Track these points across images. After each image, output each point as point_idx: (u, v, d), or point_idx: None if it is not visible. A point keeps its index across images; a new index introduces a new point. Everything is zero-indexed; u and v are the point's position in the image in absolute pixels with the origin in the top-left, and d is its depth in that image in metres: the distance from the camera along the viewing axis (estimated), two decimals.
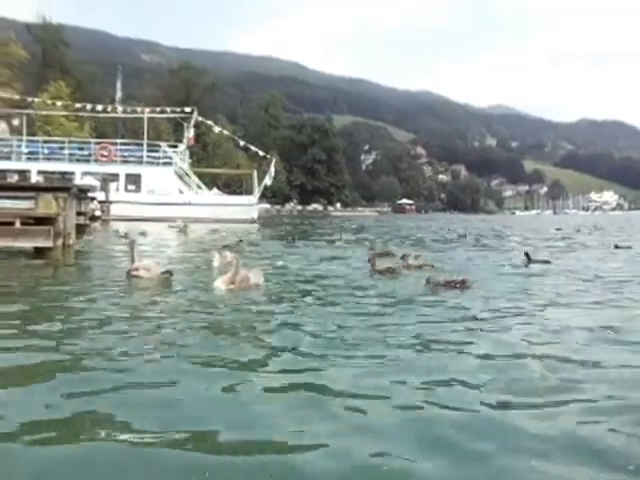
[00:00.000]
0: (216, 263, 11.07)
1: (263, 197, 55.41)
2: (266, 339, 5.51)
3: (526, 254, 13.62)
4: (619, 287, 9.60)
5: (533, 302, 7.94)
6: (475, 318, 6.63)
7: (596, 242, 23.71)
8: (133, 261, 9.51)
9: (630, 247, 18.59)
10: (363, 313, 6.89)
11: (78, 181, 35.42)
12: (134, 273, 9.10)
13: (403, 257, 12.05)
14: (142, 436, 3.21)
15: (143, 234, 20.82)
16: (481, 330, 6.05)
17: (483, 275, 10.71)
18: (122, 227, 25.80)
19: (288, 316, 6.61)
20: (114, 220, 32.82)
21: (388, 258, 12.42)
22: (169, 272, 9.04)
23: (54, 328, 5.78)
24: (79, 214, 16.34)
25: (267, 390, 4.05)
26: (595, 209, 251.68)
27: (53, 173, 39.85)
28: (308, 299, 7.83)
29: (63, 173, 40.37)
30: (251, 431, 3.33)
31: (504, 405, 3.85)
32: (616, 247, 18.58)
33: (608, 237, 28.04)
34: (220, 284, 8.36)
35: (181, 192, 42.57)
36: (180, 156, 45.41)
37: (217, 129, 53.88)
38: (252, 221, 40.50)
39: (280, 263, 12.54)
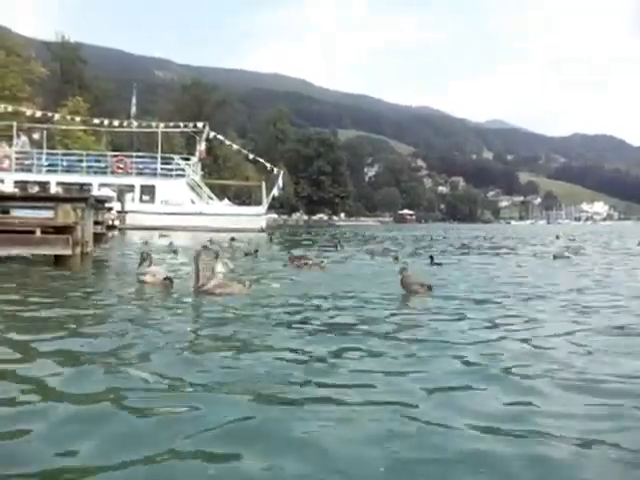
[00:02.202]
0: (221, 269, 11.00)
1: (271, 207, 55.26)
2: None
3: (430, 257, 14.76)
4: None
5: None
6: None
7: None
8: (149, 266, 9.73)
9: (568, 257, 17.83)
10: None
11: (95, 192, 35.33)
12: (141, 278, 9.36)
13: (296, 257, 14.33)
14: None
15: (175, 252, 20.35)
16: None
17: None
18: (142, 237, 25.53)
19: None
20: (130, 229, 32.80)
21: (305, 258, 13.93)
22: (169, 279, 9.23)
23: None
24: (96, 223, 16.24)
25: None
26: (587, 219, 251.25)
27: (72, 184, 39.82)
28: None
29: (81, 184, 40.36)
30: None
31: None
32: (554, 257, 17.19)
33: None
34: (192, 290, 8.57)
35: (193, 202, 42.54)
36: (192, 168, 45.41)
37: (227, 143, 53.84)
38: (261, 230, 40.36)
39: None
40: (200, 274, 8.68)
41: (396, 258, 15.16)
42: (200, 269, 8.73)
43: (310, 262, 13.16)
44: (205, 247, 14.72)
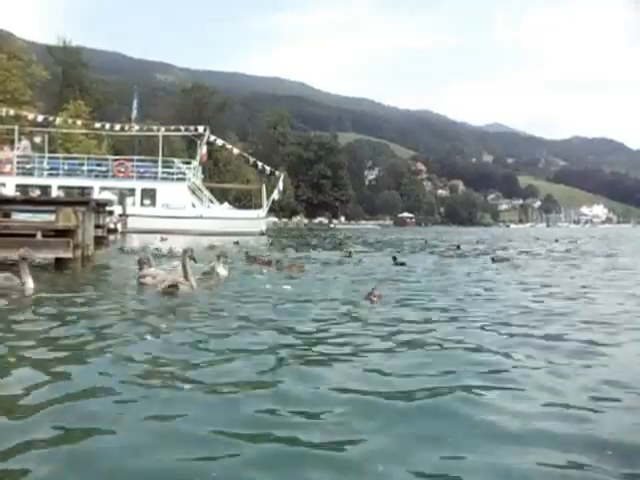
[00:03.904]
0: (223, 270, 11.04)
1: (272, 211, 55.30)
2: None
3: (394, 257, 15.74)
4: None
5: None
6: None
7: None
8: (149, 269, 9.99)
9: (508, 259, 17.59)
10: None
11: (96, 196, 35.38)
12: (141, 280, 9.57)
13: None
14: None
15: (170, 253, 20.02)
16: None
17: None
18: (143, 240, 25.42)
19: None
20: (131, 233, 32.80)
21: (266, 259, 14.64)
22: (175, 286, 9.22)
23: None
24: (97, 227, 16.26)
25: None
26: (586, 222, 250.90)
27: (73, 188, 39.88)
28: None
29: (82, 188, 40.39)
30: None
31: None
32: (493, 260, 17.02)
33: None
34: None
35: (194, 206, 42.51)
36: (193, 172, 45.35)
37: (228, 146, 53.72)
38: (261, 234, 40.35)
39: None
40: (188, 272, 8.85)
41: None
42: (188, 267, 8.91)
43: (265, 260, 14.01)
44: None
